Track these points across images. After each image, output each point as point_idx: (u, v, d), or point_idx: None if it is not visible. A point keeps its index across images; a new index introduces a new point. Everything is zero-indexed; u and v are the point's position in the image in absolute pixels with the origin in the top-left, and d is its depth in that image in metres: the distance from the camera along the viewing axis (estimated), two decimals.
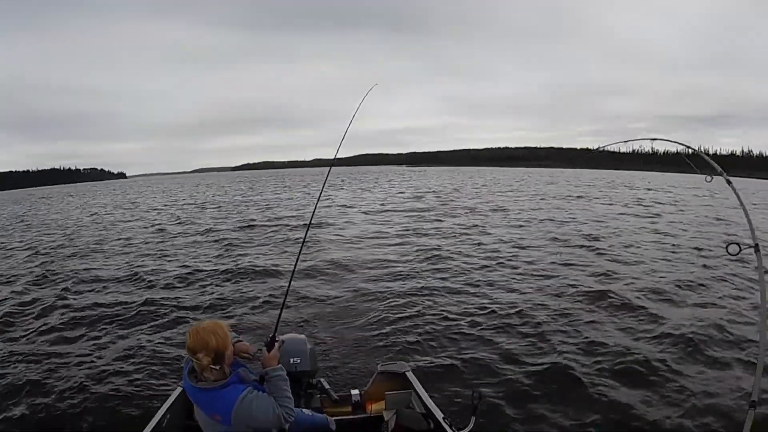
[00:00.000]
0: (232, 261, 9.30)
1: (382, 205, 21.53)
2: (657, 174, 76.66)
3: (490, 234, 12.30)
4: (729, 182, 2.39)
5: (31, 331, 5.62)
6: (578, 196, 25.65)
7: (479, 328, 5.35)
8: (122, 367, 4.49)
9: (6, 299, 7.03)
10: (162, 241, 12.38)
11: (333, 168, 3.63)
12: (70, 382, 4.20)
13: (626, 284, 7.12)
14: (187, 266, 8.92)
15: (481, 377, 4.21)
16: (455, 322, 5.52)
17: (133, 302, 6.56)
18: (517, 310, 5.90)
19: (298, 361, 2.68)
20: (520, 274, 7.90)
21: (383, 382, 3.02)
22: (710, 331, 5.09)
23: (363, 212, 18.43)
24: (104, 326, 5.70)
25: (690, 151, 2.84)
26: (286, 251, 10.22)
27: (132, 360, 4.66)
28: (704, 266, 8.44)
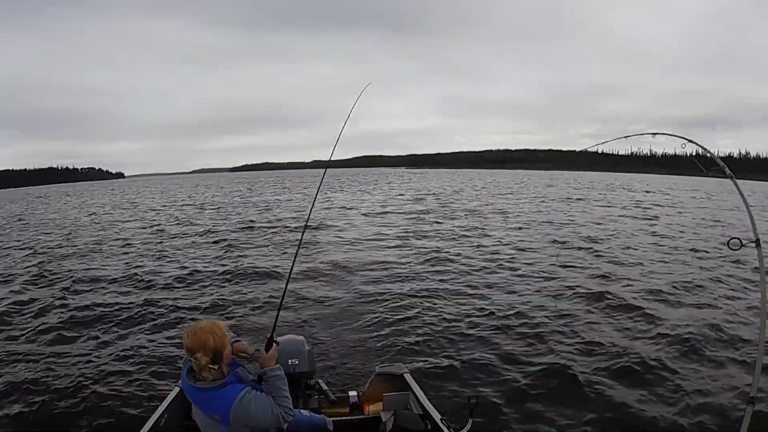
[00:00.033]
0: (232, 262, 9.30)
1: (382, 207, 21.54)
2: (655, 176, 76.91)
3: (489, 236, 12.32)
4: (732, 176, 2.35)
5: (29, 330, 5.61)
6: (578, 199, 25.71)
7: (478, 329, 5.36)
8: (120, 367, 4.49)
9: (3, 299, 7.01)
10: (161, 242, 12.37)
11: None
12: (67, 381, 4.20)
13: (624, 286, 7.14)
14: (186, 267, 8.92)
15: (479, 378, 4.21)
16: (454, 324, 5.53)
17: (132, 302, 6.55)
18: (515, 311, 5.91)
19: (297, 362, 2.69)
20: (519, 275, 7.91)
21: (381, 383, 3.03)
22: (707, 331, 5.11)
23: (363, 214, 18.43)
24: (103, 326, 5.70)
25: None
26: (285, 252, 10.21)
27: (130, 360, 4.66)
28: (701, 268, 8.48)
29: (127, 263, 9.53)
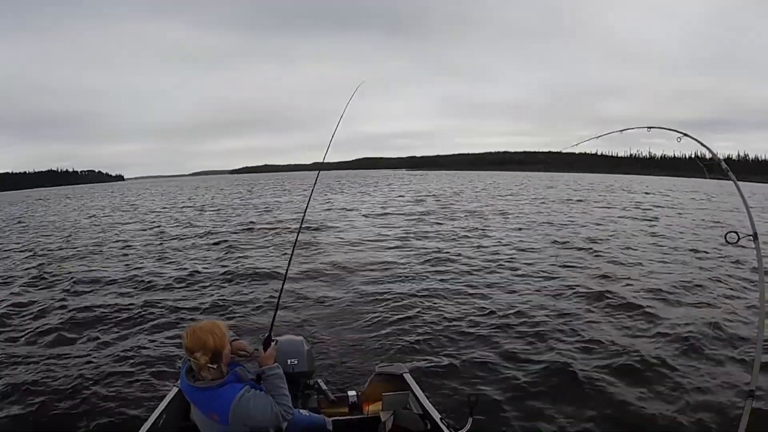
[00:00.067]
0: (232, 263, 9.30)
1: (383, 208, 21.55)
2: (655, 178, 77.02)
3: (489, 237, 12.32)
4: (728, 171, 2.37)
5: (29, 331, 5.61)
6: (578, 200, 25.73)
7: (478, 328, 5.36)
8: (120, 368, 4.49)
9: (3, 300, 7.01)
10: (161, 244, 12.37)
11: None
12: (67, 382, 4.20)
13: (624, 285, 7.15)
14: (186, 268, 8.91)
15: (479, 376, 4.21)
16: (454, 323, 5.53)
17: (132, 304, 6.55)
18: (515, 310, 5.91)
19: (296, 362, 2.69)
20: (519, 275, 7.92)
21: (380, 383, 3.02)
22: (706, 329, 5.12)
23: (363, 215, 18.45)
24: (102, 327, 5.70)
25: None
26: (285, 253, 10.22)
27: (130, 361, 4.66)
28: (701, 268, 8.49)
29: (127, 265, 9.53)
